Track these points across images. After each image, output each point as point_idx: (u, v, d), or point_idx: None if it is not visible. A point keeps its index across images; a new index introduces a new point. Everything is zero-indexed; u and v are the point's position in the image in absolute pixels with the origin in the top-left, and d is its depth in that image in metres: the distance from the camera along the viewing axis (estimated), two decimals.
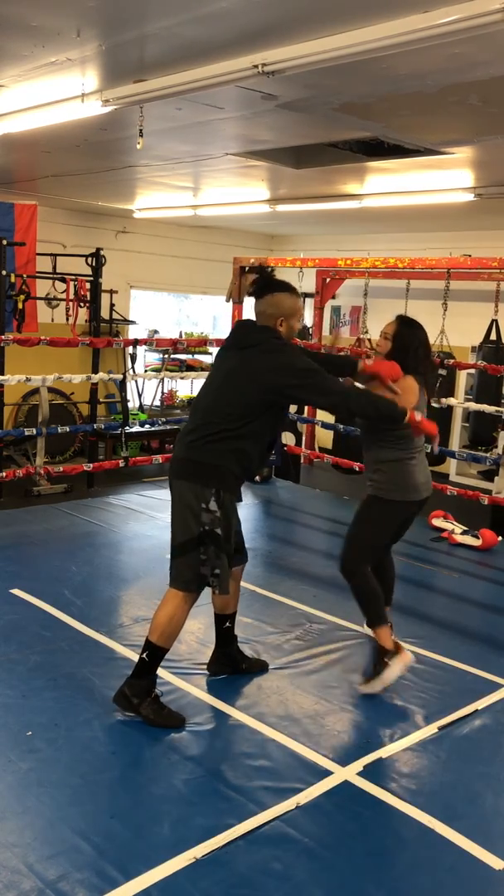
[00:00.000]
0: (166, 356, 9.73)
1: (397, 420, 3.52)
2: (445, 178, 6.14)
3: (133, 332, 9.84)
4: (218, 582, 3.34)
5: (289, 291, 3.48)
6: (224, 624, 3.82)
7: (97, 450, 8.54)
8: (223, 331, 10.56)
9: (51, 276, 7.90)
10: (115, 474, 7.98)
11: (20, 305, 7.29)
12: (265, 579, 5.13)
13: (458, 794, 3.06)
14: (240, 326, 3.65)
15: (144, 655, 3.39)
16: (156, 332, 10.16)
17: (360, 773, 3.12)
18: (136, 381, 9.72)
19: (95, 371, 7.72)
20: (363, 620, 4.14)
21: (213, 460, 3.33)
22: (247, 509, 5.83)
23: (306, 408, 8.30)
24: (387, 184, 6.54)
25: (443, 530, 6.56)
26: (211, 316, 11.99)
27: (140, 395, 9.93)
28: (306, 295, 9.00)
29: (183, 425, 3.56)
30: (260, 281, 3.51)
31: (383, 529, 3.86)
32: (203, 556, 3.32)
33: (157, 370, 9.52)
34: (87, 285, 7.92)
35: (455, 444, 8.70)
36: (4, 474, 6.46)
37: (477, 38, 2.93)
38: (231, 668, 3.85)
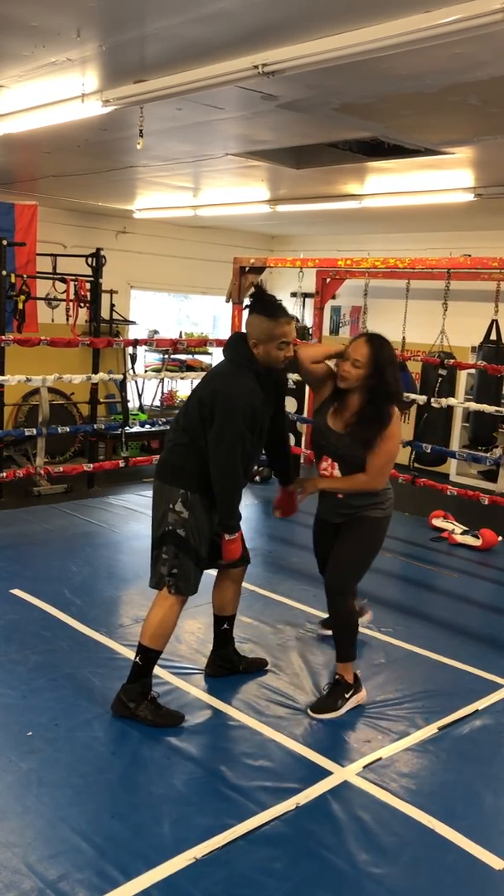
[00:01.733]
0: (166, 356, 9.72)
1: (226, 527, 3.39)
2: (445, 178, 6.14)
3: (133, 333, 9.83)
4: (174, 581, 3.34)
5: (268, 315, 3.27)
6: (222, 625, 3.83)
7: (97, 450, 8.53)
8: (223, 331, 10.56)
9: (51, 276, 7.89)
10: (115, 474, 7.98)
11: (20, 306, 7.28)
12: (265, 579, 5.14)
13: (458, 794, 3.06)
14: (231, 339, 3.54)
15: (137, 659, 3.40)
16: (156, 332, 10.15)
17: (360, 774, 3.12)
18: (136, 382, 9.71)
19: (95, 371, 7.71)
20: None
21: (181, 461, 3.37)
22: (247, 509, 5.82)
23: (305, 408, 8.31)
24: (387, 184, 6.53)
25: (443, 530, 6.56)
26: (211, 316, 11.98)
27: (140, 396, 9.92)
28: (306, 295, 9.04)
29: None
30: (250, 296, 3.39)
31: (378, 548, 3.69)
32: (164, 556, 3.35)
33: (157, 370, 9.51)
34: (88, 285, 7.91)
35: (455, 444, 8.70)
36: (5, 474, 6.46)
37: (477, 38, 2.93)
38: (228, 669, 3.85)
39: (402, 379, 3.63)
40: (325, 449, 3.56)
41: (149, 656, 3.39)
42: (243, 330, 3.43)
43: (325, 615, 4.60)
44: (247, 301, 3.39)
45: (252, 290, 3.40)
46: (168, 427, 3.65)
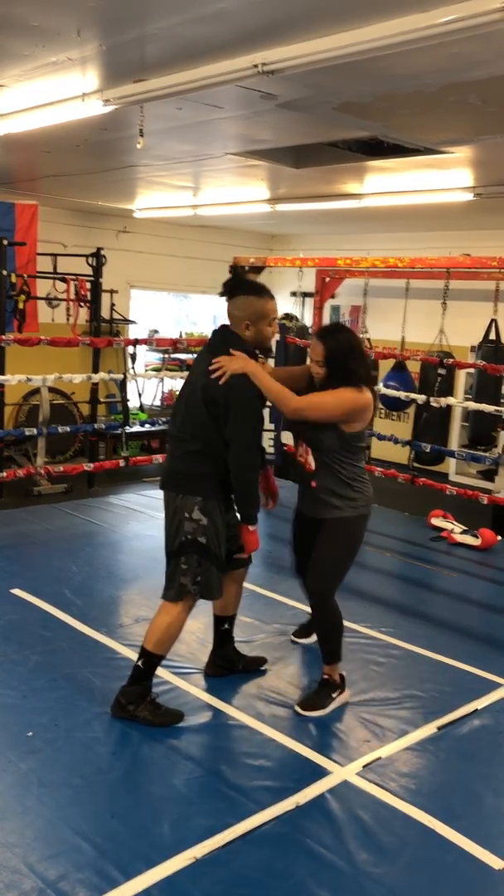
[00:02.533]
0: (166, 356, 9.73)
1: (246, 519, 3.40)
2: (445, 178, 6.14)
3: (133, 332, 9.84)
4: (199, 590, 3.35)
5: (257, 294, 3.33)
6: (223, 625, 3.83)
7: (97, 450, 8.54)
8: None
9: (51, 276, 7.90)
10: (116, 474, 7.98)
11: (21, 305, 7.29)
12: (265, 579, 5.14)
13: (458, 794, 3.06)
14: (214, 333, 3.50)
15: (140, 663, 3.38)
16: (156, 331, 10.16)
17: (359, 773, 3.12)
18: (136, 381, 9.72)
19: (96, 371, 7.71)
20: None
21: (196, 468, 3.33)
22: None
23: None
24: (387, 183, 6.53)
25: (442, 530, 6.56)
26: (211, 315, 11.99)
27: (140, 395, 9.93)
28: (305, 294, 9.04)
29: (169, 427, 3.53)
30: (230, 281, 3.40)
31: (355, 547, 3.64)
32: (184, 566, 3.32)
33: (158, 370, 9.53)
34: (88, 285, 7.92)
35: (454, 443, 8.70)
36: (5, 474, 6.46)
37: (476, 38, 2.93)
38: (228, 668, 3.85)
39: (368, 363, 3.62)
40: (299, 434, 3.66)
41: (152, 661, 3.38)
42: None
43: None
44: (223, 288, 3.38)
45: (230, 275, 3.39)
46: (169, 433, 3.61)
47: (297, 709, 3.56)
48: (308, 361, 3.61)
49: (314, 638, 4.05)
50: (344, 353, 3.43)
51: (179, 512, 3.34)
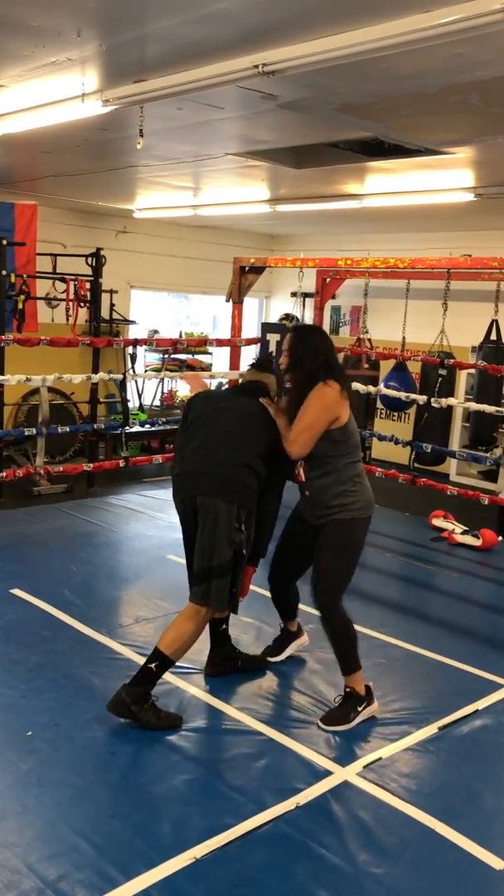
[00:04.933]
0: (166, 356, 9.72)
1: (261, 556, 3.66)
2: (446, 178, 6.13)
3: (133, 332, 9.83)
4: (232, 601, 3.44)
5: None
6: (221, 626, 3.83)
7: (97, 450, 8.53)
8: (223, 331, 10.55)
9: (51, 276, 7.89)
10: (115, 474, 7.98)
11: (20, 305, 7.28)
12: (265, 579, 5.13)
13: (458, 794, 3.06)
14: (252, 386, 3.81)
15: (153, 666, 3.34)
16: (156, 332, 10.15)
17: (360, 773, 3.12)
18: (136, 381, 9.70)
19: (95, 371, 7.71)
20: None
21: (249, 482, 3.39)
22: None
23: None
24: (387, 184, 6.53)
25: (443, 530, 6.56)
26: (211, 316, 11.99)
27: (140, 395, 9.92)
28: (306, 295, 9.03)
29: (194, 445, 3.48)
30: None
31: (356, 551, 3.59)
32: (231, 576, 3.36)
33: (157, 370, 9.51)
34: (87, 285, 7.91)
35: (455, 443, 8.70)
36: (5, 474, 6.46)
37: (478, 38, 2.93)
38: (228, 665, 3.86)
39: (332, 362, 3.64)
40: None
41: (165, 666, 3.36)
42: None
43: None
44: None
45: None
46: (178, 427, 3.71)
47: (320, 724, 3.47)
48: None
49: (287, 654, 4.05)
50: (303, 347, 3.52)
51: (230, 520, 3.30)
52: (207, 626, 3.62)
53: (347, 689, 3.55)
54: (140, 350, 9.78)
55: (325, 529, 3.52)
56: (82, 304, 7.93)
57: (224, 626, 3.84)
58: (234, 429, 3.47)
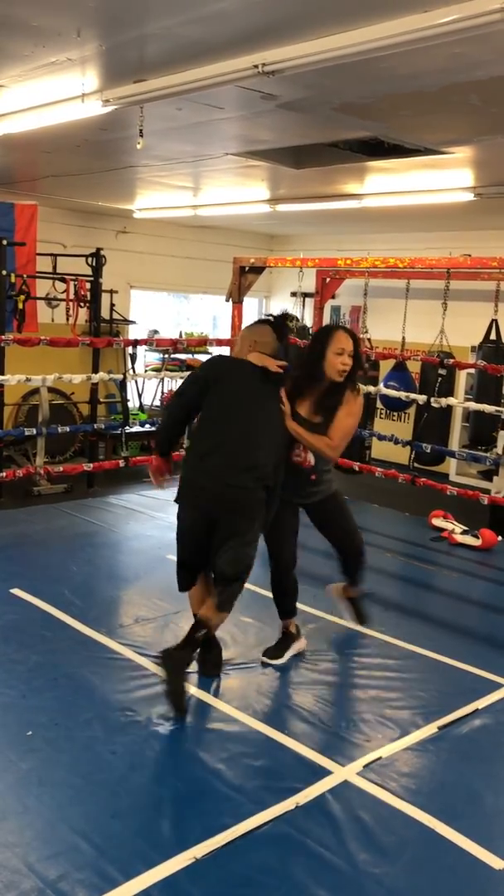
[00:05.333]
0: (166, 356, 9.71)
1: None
2: (445, 178, 6.14)
3: (133, 332, 9.83)
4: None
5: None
6: (200, 630, 3.78)
7: (97, 450, 8.53)
8: (223, 331, 10.55)
9: (51, 276, 7.89)
10: (115, 474, 7.98)
11: (20, 305, 7.28)
12: (265, 579, 5.13)
13: (458, 794, 3.06)
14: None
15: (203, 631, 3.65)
16: (156, 332, 10.15)
17: (359, 773, 3.12)
18: (136, 381, 9.71)
19: (95, 371, 7.71)
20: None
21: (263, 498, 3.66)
22: None
23: None
24: (387, 184, 6.53)
25: (443, 530, 6.56)
26: (211, 316, 11.99)
27: (140, 395, 9.92)
28: (306, 294, 9.03)
29: (226, 448, 3.61)
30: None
31: None
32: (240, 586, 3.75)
33: (157, 370, 9.51)
34: (87, 285, 7.91)
35: (455, 443, 8.70)
36: (4, 474, 6.46)
37: (477, 38, 2.93)
38: (213, 659, 3.91)
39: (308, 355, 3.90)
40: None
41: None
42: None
43: (325, 615, 4.61)
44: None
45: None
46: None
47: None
48: (329, 353, 3.75)
49: (288, 657, 4.07)
50: (359, 356, 3.84)
51: (249, 534, 3.62)
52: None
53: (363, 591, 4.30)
54: (140, 350, 9.78)
55: (328, 501, 4.04)
56: (82, 304, 7.93)
57: (204, 630, 3.81)
58: (270, 429, 3.71)
